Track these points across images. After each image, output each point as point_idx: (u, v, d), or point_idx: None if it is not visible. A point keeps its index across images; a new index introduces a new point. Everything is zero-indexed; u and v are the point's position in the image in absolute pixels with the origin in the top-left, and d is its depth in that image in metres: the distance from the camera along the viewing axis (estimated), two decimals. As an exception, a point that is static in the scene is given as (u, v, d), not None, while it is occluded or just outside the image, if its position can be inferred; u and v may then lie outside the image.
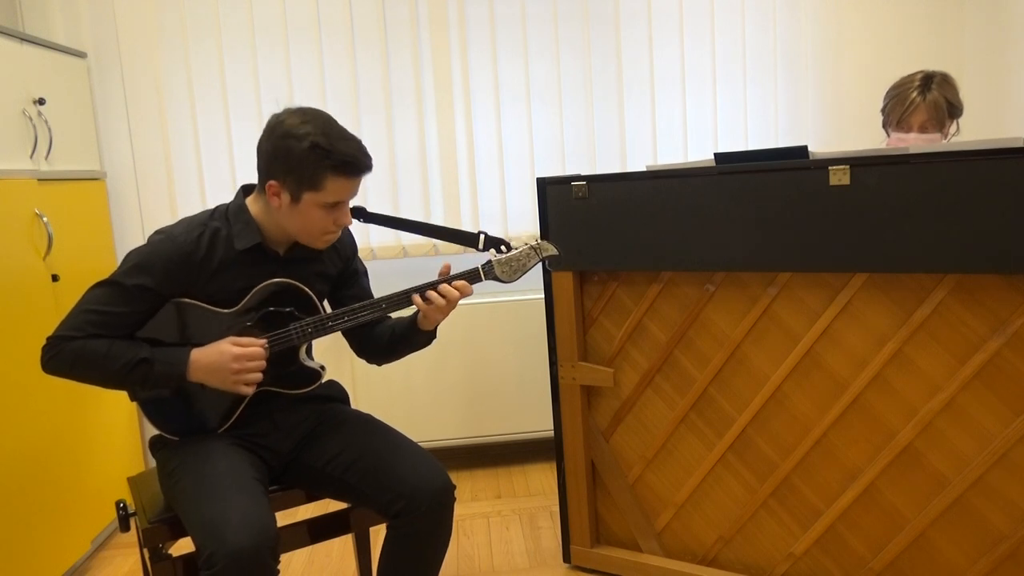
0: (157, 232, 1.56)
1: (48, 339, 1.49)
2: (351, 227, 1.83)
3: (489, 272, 1.63)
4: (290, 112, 1.50)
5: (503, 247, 1.66)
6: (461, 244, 1.71)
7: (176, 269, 1.51)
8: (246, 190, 1.62)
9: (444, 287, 1.58)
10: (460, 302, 2.82)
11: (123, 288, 1.49)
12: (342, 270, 1.75)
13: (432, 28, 2.85)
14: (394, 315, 1.82)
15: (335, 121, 1.52)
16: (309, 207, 1.51)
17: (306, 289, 1.61)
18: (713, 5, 2.93)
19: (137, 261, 1.50)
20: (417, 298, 1.59)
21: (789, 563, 1.88)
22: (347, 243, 1.77)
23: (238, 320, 1.57)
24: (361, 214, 1.69)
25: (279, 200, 1.52)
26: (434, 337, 1.70)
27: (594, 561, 2.13)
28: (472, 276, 1.62)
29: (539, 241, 1.66)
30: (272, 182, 1.51)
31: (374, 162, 1.57)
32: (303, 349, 1.66)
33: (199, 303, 1.55)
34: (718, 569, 1.97)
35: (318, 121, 1.49)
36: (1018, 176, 1.48)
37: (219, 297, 1.56)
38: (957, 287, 1.60)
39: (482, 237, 1.68)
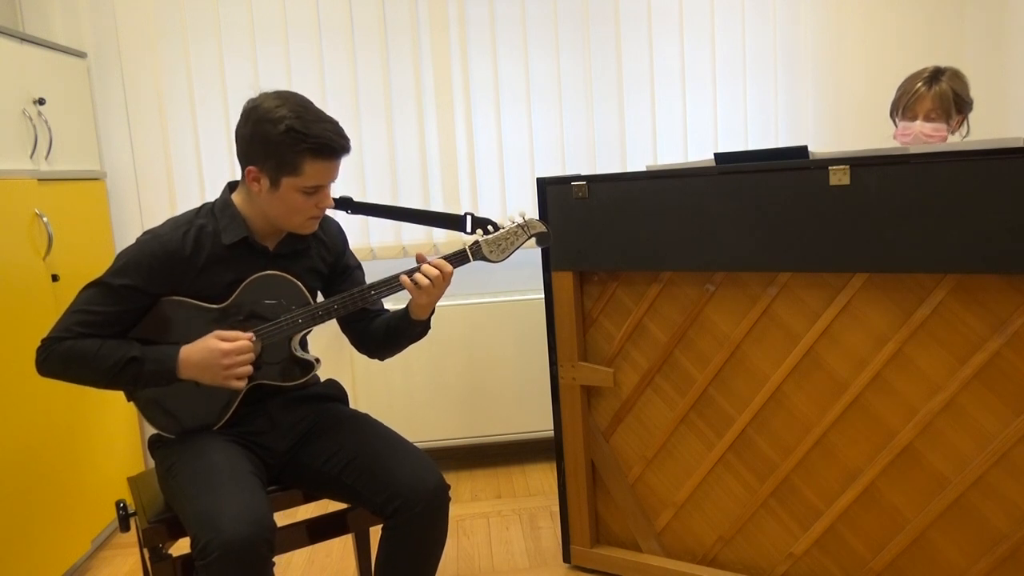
0: (145, 232, 1.57)
1: (41, 341, 1.51)
2: (341, 222, 1.82)
3: (477, 252, 1.62)
4: (266, 96, 1.50)
5: (490, 227, 1.64)
6: (448, 227, 1.69)
7: (163, 267, 1.52)
8: (232, 186, 1.62)
9: (426, 266, 1.57)
10: (462, 302, 2.87)
11: (111, 288, 1.51)
12: (333, 265, 1.75)
13: (432, 28, 2.85)
14: (389, 308, 1.82)
15: (310, 103, 1.51)
16: (289, 192, 1.50)
17: (294, 280, 1.61)
18: (713, 5, 2.93)
19: (124, 261, 1.52)
20: (406, 279, 1.58)
21: (789, 563, 1.88)
22: (336, 238, 1.76)
23: (228, 315, 1.57)
24: (348, 205, 1.68)
25: (259, 186, 1.52)
26: (429, 327, 1.70)
27: (594, 561, 2.13)
28: (460, 257, 1.61)
29: (527, 218, 1.64)
30: (251, 167, 1.51)
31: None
32: (296, 341, 1.65)
33: (188, 300, 1.56)
34: (718, 569, 1.97)
35: (292, 103, 1.47)
36: (1018, 176, 1.48)
37: (208, 293, 1.56)
38: (957, 287, 1.60)
39: (469, 219, 1.67)
